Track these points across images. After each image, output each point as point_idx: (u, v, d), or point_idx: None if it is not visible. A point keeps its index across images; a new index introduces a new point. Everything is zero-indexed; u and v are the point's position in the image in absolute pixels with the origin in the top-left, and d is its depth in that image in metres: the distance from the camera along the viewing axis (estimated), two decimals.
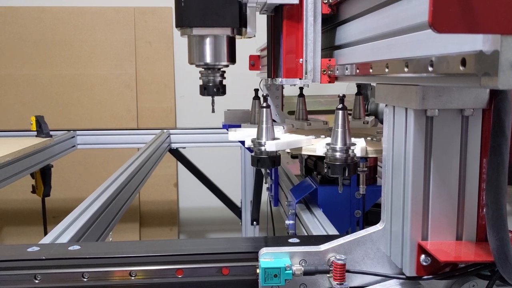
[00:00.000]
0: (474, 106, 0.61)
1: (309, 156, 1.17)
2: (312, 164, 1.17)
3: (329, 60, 0.94)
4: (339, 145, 0.85)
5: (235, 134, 1.09)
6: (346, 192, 1.04)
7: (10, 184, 1.64)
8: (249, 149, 1.03)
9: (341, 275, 0.70)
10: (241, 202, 2.60)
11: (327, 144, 0.88)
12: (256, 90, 1.32)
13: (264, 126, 0.95)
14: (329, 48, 1.00)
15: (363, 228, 1.09)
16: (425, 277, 0.65)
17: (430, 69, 0.51)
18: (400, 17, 0.63)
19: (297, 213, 1.08)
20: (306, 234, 0.98)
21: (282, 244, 0.77)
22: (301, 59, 0.93)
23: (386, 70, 0.64)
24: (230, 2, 0.94)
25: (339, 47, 0.95)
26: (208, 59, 1.00)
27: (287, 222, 1.11)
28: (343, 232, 1.03)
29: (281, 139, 0.96)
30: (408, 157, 0.63)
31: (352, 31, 0.87)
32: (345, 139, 0.86)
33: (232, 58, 1.03)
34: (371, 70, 0.70)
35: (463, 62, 0.45)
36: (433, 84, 0.55)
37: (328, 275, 0.72)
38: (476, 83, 0.43)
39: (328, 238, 0.86)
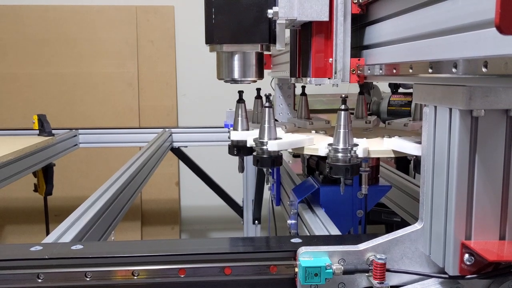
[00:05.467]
0: None
1: (311, 155, 1.17)
2: (314, 163, 1.17)
3: (358, 59, 0.94)
4: (341, 146, 0.86)
5: (237, 134, 1.09)
6: (348, 192, 1.04)
7: (13, 183, 1.64)
8: (251, 148, 1.03)
9: (381, 274, 0.70)
10: (243, 201, 2.61)
11: (329, 144, 0.88)
12: (258, 90, 1.32)
13: (266, 125, 0.95)
14: (356, 47, 1.00)
15: (365, 228, 1.09)
16: (468, 276, 0.65)
17: (484, 70, 0.51)
18: (445, 17, 0.62)
19: (299, 213, 1.08)
20: (308, 234, 0.98)
21: (285, 243, 0.78)
22: (330, 59, 0.93)
23: (430, 70, 0.63)
24: (260, 19, 0.96)
25: (368, 46, 0.95)
26: (237, 75, 1.02)
27: (289, 221, 1.11)
28: (345, 232, 1.03)
29: (283, 139, 0.96)
30: (452, 157, 0.63)
31: (384, 31, 0.87)
32: (347, 140, 0.86)
33: (260, 74, 1.05)
34: (410, 70, 0.70)
35: None
36: (484, 84, 0.55)
37: (367, 274, 0.73)
38: None
39: (330, 238, 0.86)
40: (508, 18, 0.41)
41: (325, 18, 0.91)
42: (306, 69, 0.98)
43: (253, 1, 0.95)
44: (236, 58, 1.01)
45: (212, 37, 0.98)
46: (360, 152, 0.87)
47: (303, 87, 1.35)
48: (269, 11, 0.93)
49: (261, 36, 0.97)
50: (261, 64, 1.04)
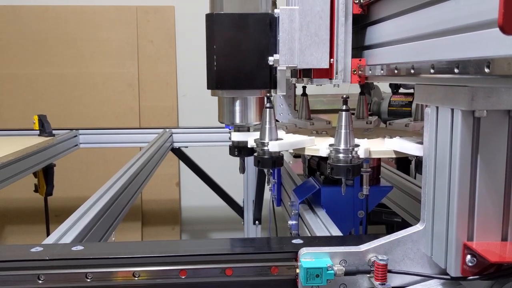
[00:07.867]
0: None
1: (312, 156, 1.16)
2: (315, 164, 1.16)
3: (359, 60, 0.94)
4: (342, 146, 0.85)
5: (238, 134, 1.09)
6: (349, 193, 1.04)
7: (13, 183, 1.64)
8: (252, 149, 1.03)
9: (383, 275, 0.70)
10: (243, 202, 2.60)
11: (330, 145, 0.88)
12: None
13: (267, 126, 0.94)
14: (357, 48, 1.00)
15: (366, 228, 1.09)
16: (470, 277, 0.65)
17: (486, 70, 0.51)
18: (447, 17, 0.62)
19: (300, 214, 1.08)
20: (309, 234, 0.98)
21: (287, 244, 0.78)
22: (331, 59, 0.93)
23: (432, 70, 0.63)
24: (261, 66, 0.96)
25: (369, 47, 0.95)
26: (238, 120, 1.04)
27: (290, 222, 1.11)
28: (346, 233, 1.03)
29: (284, 140, 0.96)
30: (454, 158, 0.63)
31: (386, 31, 0.87)
32: (348, 141, 0.85)
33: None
34: (412, 71, 0.70)
35: None
36: (487, 85, 0.55)
37: (368, 275, 0.73)
38: None
39: (331, 239, 0.86)
40: (511, 18, 0.40)
41: (326, 65, 0.92)
42: (307, 69, 0.98)
43: (254, 48, 0.96)
44: (238, 104, 1.02)
45: (214, 83, 0.98)
46: (361, 153, 0.87)
47: (304, 88, 1.35)
48: (270, 58, 0.94)
49: (262, 82, 0.98)
50: (262, 107, 1.05)
